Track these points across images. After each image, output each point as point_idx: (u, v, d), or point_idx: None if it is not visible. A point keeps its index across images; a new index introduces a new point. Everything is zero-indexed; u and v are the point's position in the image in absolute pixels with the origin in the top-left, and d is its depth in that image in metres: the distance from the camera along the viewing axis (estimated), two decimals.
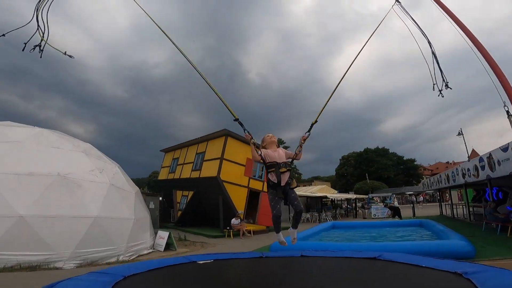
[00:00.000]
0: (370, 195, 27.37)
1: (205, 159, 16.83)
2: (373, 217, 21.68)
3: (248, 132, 3.43)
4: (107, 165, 9.83)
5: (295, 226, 3.65)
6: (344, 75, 4.31)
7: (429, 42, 6.68)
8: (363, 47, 4.81)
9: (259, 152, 3.40)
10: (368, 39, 4.98)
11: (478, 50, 6.91)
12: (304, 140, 3.44)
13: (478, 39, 6.83)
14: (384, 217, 21.23)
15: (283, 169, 3.30)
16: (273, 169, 3.30)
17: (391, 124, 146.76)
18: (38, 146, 8.36)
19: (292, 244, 3.71)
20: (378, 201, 30.43)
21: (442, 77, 6.49)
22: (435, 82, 6.49)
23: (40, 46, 5.37)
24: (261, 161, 3.39)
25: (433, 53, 6.57)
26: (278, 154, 3.38)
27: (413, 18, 6.71)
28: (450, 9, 7.37)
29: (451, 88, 6.47)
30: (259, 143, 3.66)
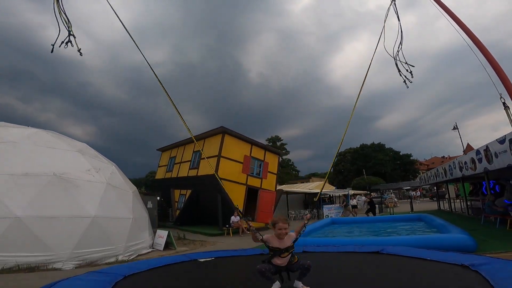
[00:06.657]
0: (322, 192, 23.81)
1: (202, 157, 16.72)
2: (325, 217, 18.90)
3: (247, 221, 3.85)
4: (104, 164, 9.69)
5: (300, 278, 3.23)
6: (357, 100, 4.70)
7: (401, 37, 6.95)
8: (372, 60, 5.09)
9: (260, 237, 3.30)
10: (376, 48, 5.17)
11: (476, 45, 7.00)
12: (308, 220, 3.55)
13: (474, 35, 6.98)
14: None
15: (285, 254, 3.18)
16: (273, 253, 3.20)
17: (388, 121, 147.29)
18: (33, 147, 8.21)
19: None
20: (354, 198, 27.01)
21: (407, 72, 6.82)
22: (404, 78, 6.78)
23: (70, 42, 5.01)
24: (262, 242, 3.32)
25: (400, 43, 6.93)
26: (282, 243, 3.21)
27: (399, 18, 6.91)
28: (447, 6, 7.49)
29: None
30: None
